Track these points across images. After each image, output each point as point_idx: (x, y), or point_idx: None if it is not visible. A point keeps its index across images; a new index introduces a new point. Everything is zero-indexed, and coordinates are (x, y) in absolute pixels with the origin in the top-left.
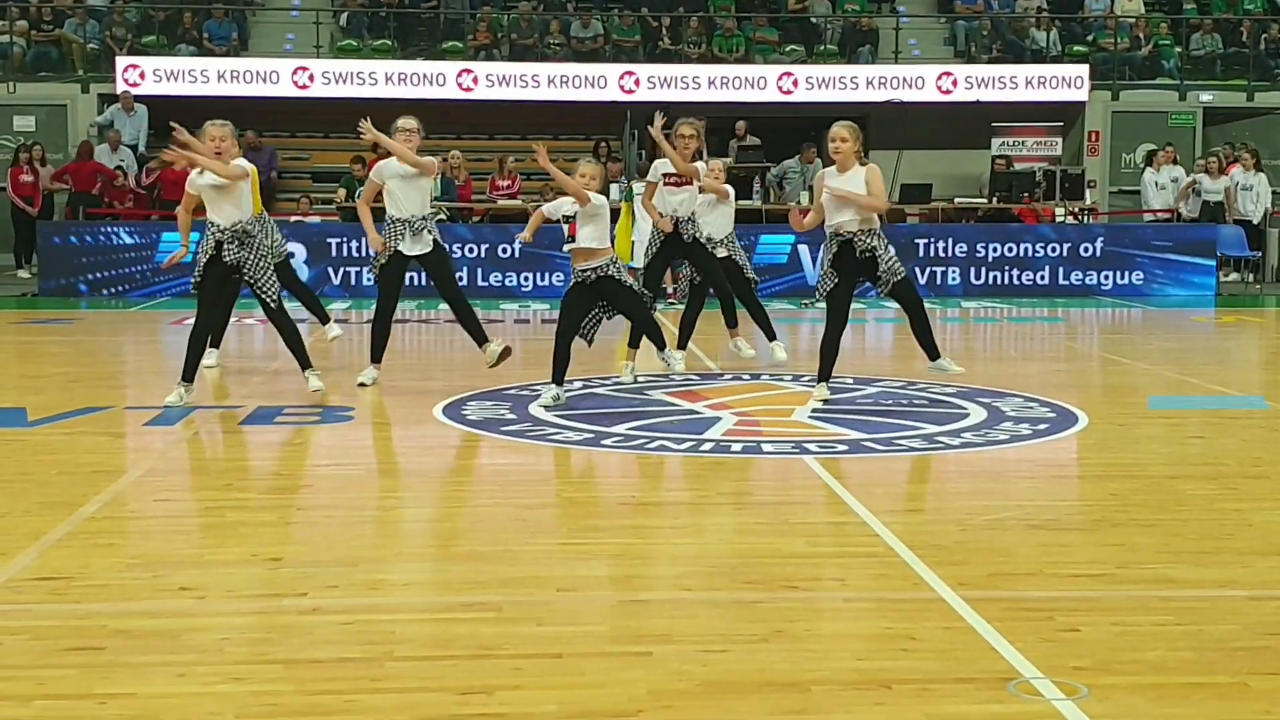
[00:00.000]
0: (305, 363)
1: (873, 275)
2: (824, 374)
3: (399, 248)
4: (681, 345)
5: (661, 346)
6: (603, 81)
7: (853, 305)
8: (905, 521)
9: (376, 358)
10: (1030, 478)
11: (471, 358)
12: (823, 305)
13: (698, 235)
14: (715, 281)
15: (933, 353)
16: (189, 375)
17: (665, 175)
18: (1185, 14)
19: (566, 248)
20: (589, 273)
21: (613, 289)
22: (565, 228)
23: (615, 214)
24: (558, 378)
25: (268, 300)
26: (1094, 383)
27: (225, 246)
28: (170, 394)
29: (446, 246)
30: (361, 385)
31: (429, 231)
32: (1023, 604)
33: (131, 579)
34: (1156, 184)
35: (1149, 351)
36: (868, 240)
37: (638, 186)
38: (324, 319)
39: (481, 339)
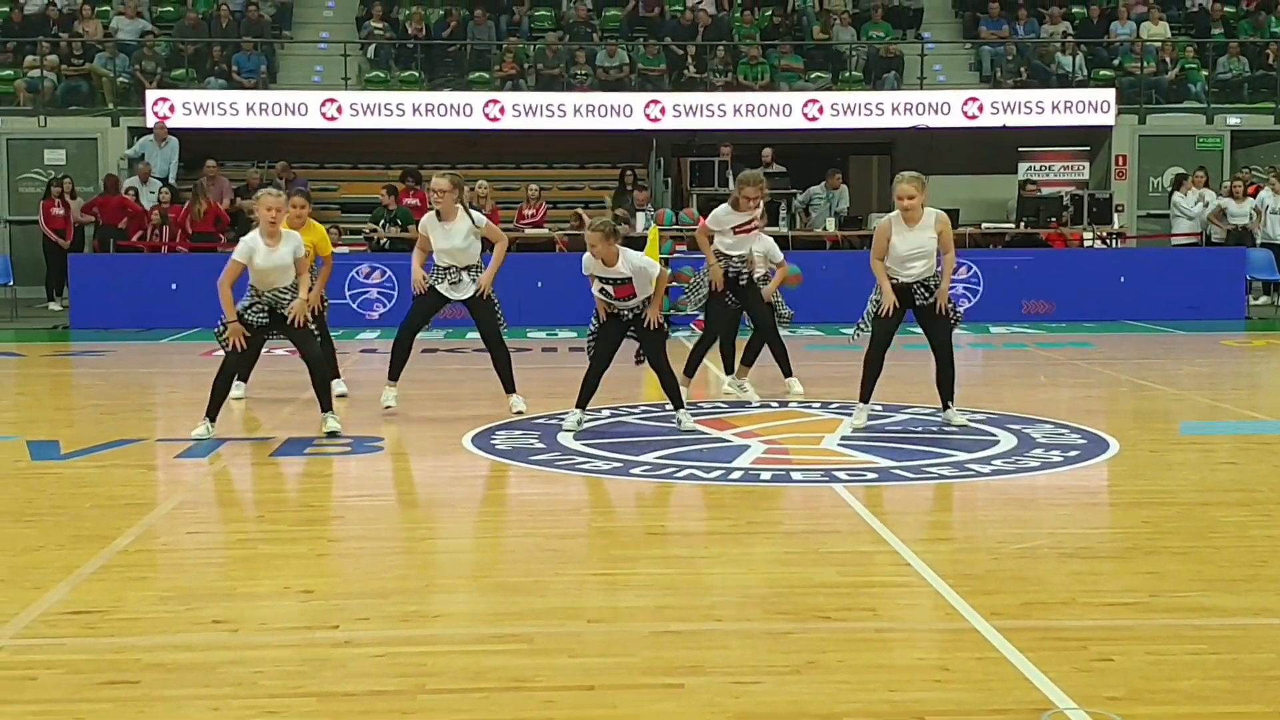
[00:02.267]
0: (327, 405)
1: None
2: (865, 395)
3: (439, 289)
4: (729, 370)
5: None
6: (628, 110)
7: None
8: (936, 550)
9: (394, 376)
10: (1062, 505)
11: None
12: (864, 335)
13: (751, 275)
14: (761, 319)
15: (948, 398)
16: (214, 413)
17: (735, 228)
18: (1212, 37)
19: (615, 306)
20: (627, 311)
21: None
22: (612, 289)
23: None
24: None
25: (311, 335)
26: (1124, 408)
27: (278, 308)
28: (197, 428)
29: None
30: (388, 409)
31: (472, 280)
32: (1056, 633)
33: (165, 612)
34: (1185, 208)
35: (1179, 376)
36: (933, 282)
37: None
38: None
39: (509, 387)
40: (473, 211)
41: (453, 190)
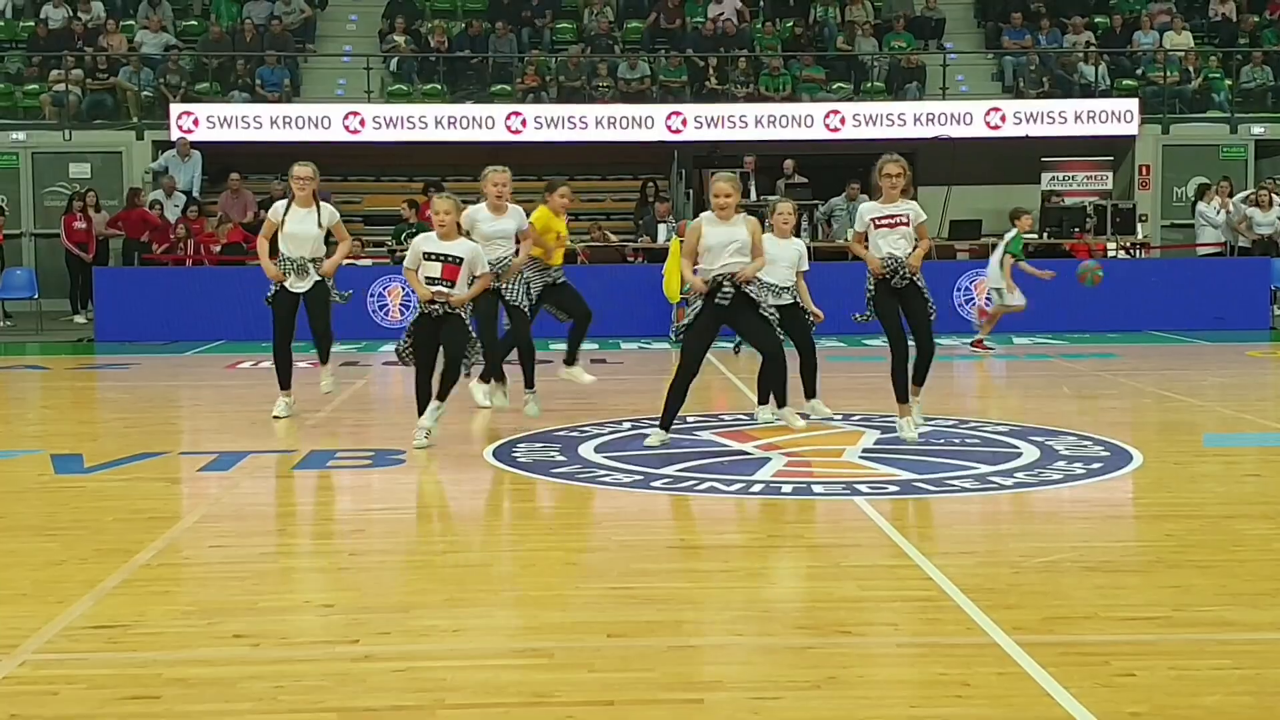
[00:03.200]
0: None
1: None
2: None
3: (286, 286)
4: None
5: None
6: (650, 122)
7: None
8: (958, 564)
9: (284, 385)
10: (1085, 518)
11: (519, 399)
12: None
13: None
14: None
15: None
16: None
17: (874, 219)
18: (1236, 47)
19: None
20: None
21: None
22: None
23: (665, 253)
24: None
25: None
26: (1148, 420)
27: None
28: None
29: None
30: (276, 418)
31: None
32: (1078, 648)
33: (187, 626)
34: (1209, 217)
35: (1203, 387)
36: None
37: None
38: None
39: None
40: (325, 205)
41: (314, 179)
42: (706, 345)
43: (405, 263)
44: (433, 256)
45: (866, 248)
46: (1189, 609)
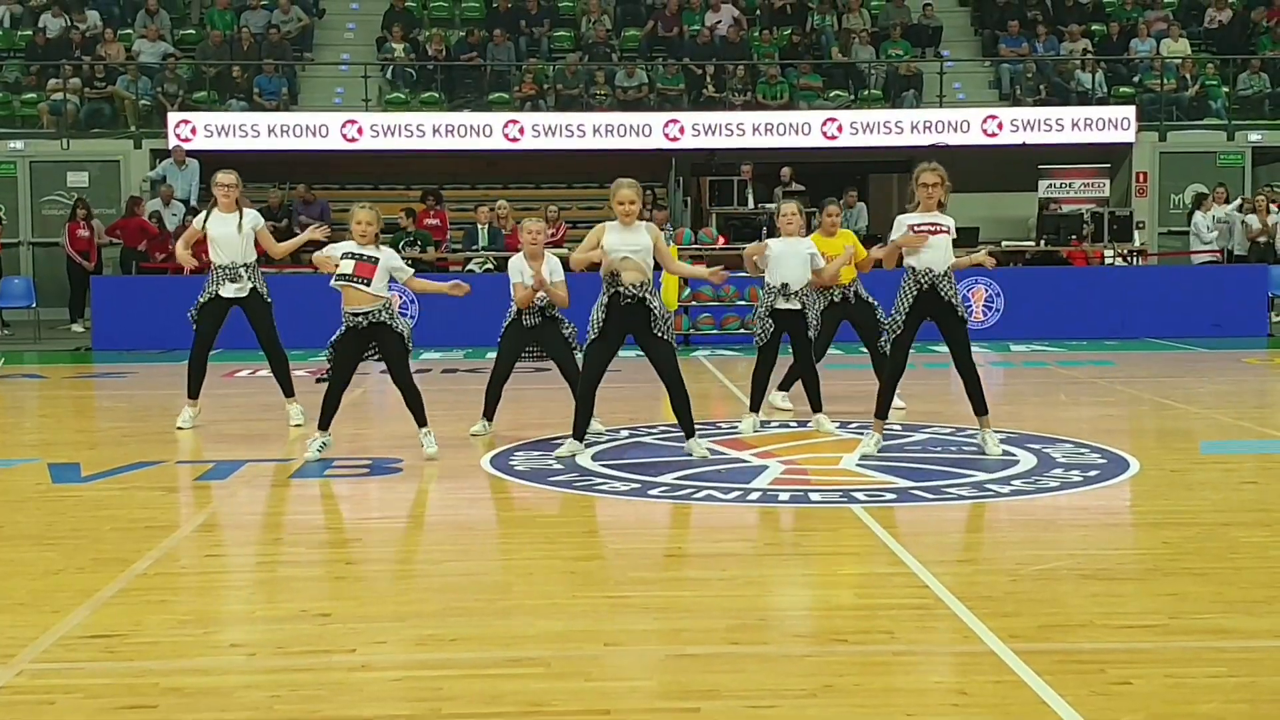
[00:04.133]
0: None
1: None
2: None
3: (220, 293)
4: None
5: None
6: (648, 130)
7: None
8: (955, 572)
9: (192, 394)
10: (1081, 526)
11: (519, 407)
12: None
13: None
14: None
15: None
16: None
17: (913, 226)
18: (1232, 53)
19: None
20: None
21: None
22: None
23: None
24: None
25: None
26: (1145, 427)
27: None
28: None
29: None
30: (180, 429)
31: (249, 279)
32: (1074, 656)
33: (183, 636)
34: (1206, 226)
35: (1201, 395)
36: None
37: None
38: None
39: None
40: (247, 211)
41: (237, 186)
42: (606, 364)
43: (321, 254)
44: (351, 255)
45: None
46: (1185, 616)
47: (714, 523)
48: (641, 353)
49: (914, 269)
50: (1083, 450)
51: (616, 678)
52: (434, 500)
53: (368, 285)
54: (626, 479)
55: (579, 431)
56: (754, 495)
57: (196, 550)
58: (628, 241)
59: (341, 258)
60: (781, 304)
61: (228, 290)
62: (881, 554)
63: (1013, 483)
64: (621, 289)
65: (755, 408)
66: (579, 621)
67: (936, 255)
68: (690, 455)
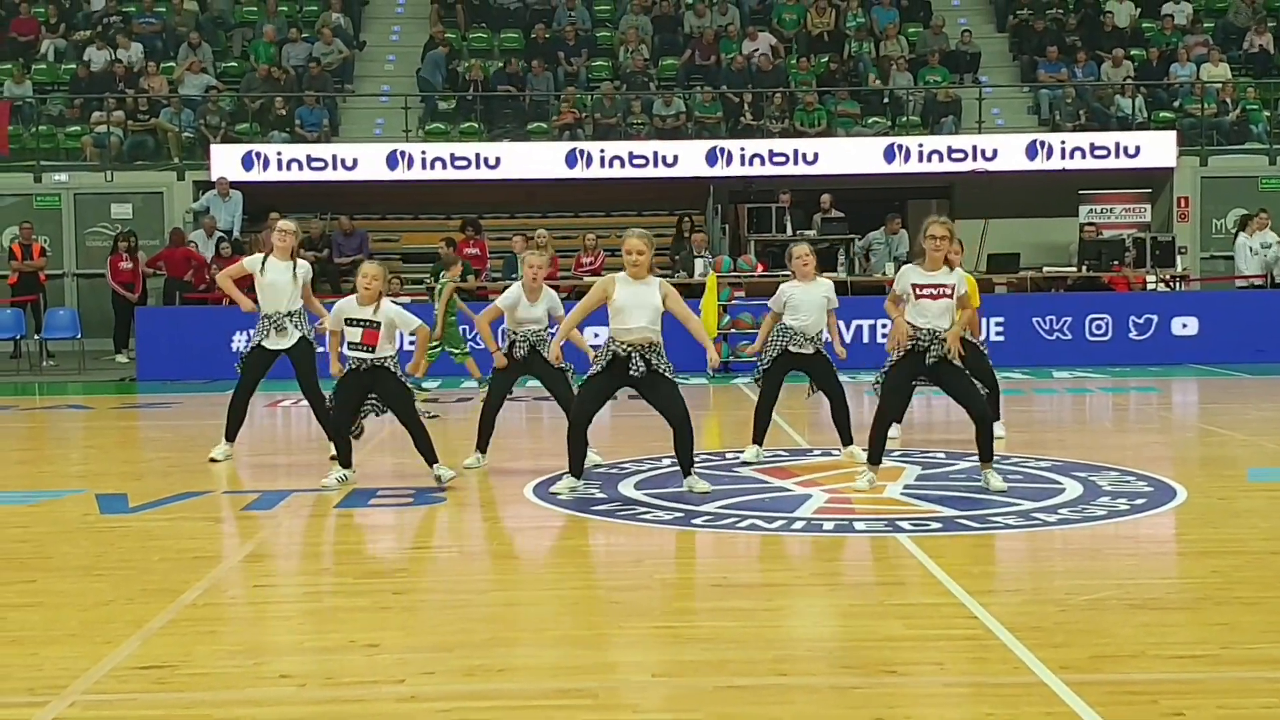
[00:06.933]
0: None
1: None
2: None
3: (265, 344)
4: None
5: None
6: (686, 158)
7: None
8: (1003, 602)
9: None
10: (1130, 555)
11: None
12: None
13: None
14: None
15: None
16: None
17: (916, 285)
18: (1273, 78)
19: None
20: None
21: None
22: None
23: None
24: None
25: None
26: (1192, 455)
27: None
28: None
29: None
30: (214, 460)
31: (295, 328)
32: (1126, 687)
33: (233, 667)
34: (1250, 249)
35: (1247, 421)
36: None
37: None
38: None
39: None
40: (301, 262)
41: (297, 235)
42: (599, 406)
43: (328, 324)
44: (353, 322)
45: (903, 313)
46: (1237, 646)
47: (758, 552)
48: None
49: (916, 325)
50: (1129, 478)
51: (664, 709)
52: (478, 530)
53: (372, 352)
54: (670, 508)
55: (575, 468)
56: (798, 525)
57: (244, 580)
58: (639, 298)
59: (346, 324)
60: (794, 348)
61: (272, 342)
62: (929, 584)
63: (1060, 511)
64: (627, 350)
65: (758, 439)
66: (626, 652)
67: (941, 317)
68: (692, 491)
